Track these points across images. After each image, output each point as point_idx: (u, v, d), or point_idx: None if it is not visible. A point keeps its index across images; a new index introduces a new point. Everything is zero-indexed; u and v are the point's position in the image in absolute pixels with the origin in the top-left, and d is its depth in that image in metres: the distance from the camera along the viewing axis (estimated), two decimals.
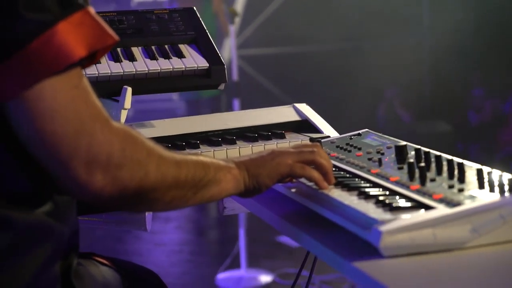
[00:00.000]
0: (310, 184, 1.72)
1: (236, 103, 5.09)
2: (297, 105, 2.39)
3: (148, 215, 2.06)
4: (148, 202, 1.49)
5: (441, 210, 1.45)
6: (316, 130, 2.26)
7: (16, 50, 1.31)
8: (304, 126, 2.30)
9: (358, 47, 8.16)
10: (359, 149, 1.92)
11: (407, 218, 1.43)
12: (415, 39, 8.17)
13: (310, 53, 8.02)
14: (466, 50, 7.77)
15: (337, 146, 1.98)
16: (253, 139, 2.18)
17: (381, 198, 1.55)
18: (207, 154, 2.07)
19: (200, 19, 2.41)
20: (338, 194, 1.64)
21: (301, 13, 7.99)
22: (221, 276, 5.16)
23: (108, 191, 1.39)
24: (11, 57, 1.31)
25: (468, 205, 1.45)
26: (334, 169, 1.80)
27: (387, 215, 1.46)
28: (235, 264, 5.24)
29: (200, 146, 2.14)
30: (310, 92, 6.95)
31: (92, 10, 1.40)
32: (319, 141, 2.00)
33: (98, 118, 1.38)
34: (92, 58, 1.41)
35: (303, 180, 1.74)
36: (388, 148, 1.87)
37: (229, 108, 5.75)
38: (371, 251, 1.43)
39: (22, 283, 1.37)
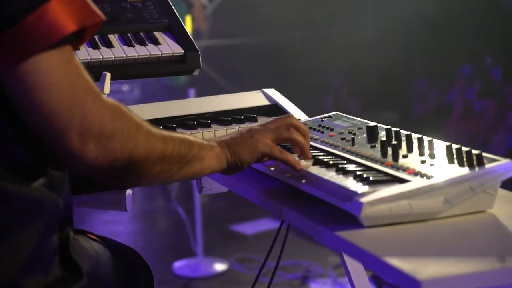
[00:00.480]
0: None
1: (192, 92, 5.17)
2: (266, 90, 2.49)
3: (128, 196, 2.14)
4: (137, 175, 1.56)
5: (416, 183, 1.56)
6: (286, 113, 2.36)
7: (12, 24, 1.38)
8: (273, 110, 2.40)
9: (301, 36, 8.23)
10: (332, 130, 2.03)
11: (385, 190, 1.54)
12: (359, 28, 8.27)
13: (254, 44, 8.08)
14: (411, 39, 7.90)
15: (310, 128, 2.08)
16: (227, 123, 2.27)
17: (358, 173, 1.65)
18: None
19: (173, 7, 2.49)
20: (317, 170, 1.74)
21: (243, 5, 8.05)
22: (178, 264, 5.23)
23: (100, 162, 1.47)
24: (7, 31, 1.38)
25: (440, 178, 1.56)
26: (310, 148, 1.90)
27: (366, 188, 1.57)
28: (191, 253, 5.31)
29: (177, 129, 2.23)
30: (256, 83, 7.02)
31: None
32: None
33: (90, 91, 1.45)
34: (80, 39, 1.50)
35: None
36: (359, 128, 1.98)
37: (186, 97, 5.81)
38: (352, 222, 1.53)
39: (24, 254, 1.44)
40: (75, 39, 1.48)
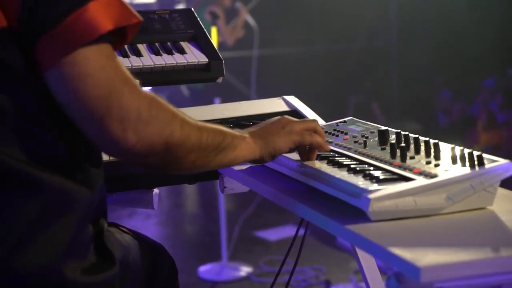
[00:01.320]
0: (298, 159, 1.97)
1: (217, 101, 5.31)
2: (286, 97, 2.63)
3: (155, 194, 2.27)
4: (175, 161, 1.69)
5: (421, 181, 1.69)
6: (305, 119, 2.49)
7: (54, 24, 1.52)
8: (293, 115, 2.50)
9: (325, 49, 8.34)
10: (346, 133, 2.16)
11: (391, 187, 1.66)
12: (383, 40, 8.37)
13: (280, 55, 8.20)
14: (434, 51, 7.99)
15: (326, 132, 2.21)
16: (248, 127, 2.40)
17: (368, 172, 1.78)
18: None
19: (198, 18, 2.64)
20: (330, 170, 1.87)
21: (268, 17, 8.17)
22: (203, 268, 5.35)
23: (139, 147, 1.59)
24: (50, 31, 1.52)
25: (443, 177, 1.69)
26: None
27: (374, 186, 1.70)
28: (216, 257, 5.44)
29: None
30: (281, 92, 7.11)
31: None
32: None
33: (127, 83, 1.58)
34: (123, 40, 1.64)
35: (291, 156, 1.98)
36: (372, 132, 2.10)
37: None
38: (361, 217, 1.66)
39: (62, 241, 1.57)
40: (118, 40, 1.62)
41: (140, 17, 1.64)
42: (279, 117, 1.99)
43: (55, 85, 1.55)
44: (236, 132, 1.87)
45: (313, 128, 1.97)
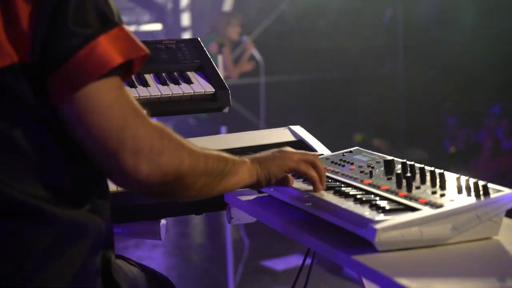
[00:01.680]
0: (304, 188, 1.97)
1: (223, 129, 5.33)
2: (292, 127, 2.64)
3: (162, 225, 2.28)
4: (184, 188, 1.73)
5: (426, 211, 1.69)
6: (311, 149, 2.50)
7: (67, 58, 1.55)
8: (299, 146, 2.54)
9: (333, 78, 8.36)
10: (352, 163, 2.16)
11: (397, 217, 1.67)
12: (390, 69, 8.39)
13: (286, 83, 8.22)
14: (441, 79, 8.01)
15: (332, 162, 2.22)
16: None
17: (374, 202, 1.79)
18: None
19: (205, 48, 2.65)
20: (336, 200, 1.88)
21: (275, 45, 8.20)
22: None
23: (153, 178, 1.61)
24: (63, 65, 1.55)
25: (448, 207, 1.69)
26: (330, 180, 2.06)
27: (380, 216, 1.70)
28: (223, 287, 5.42)
29: None
30: (288, 120, 7.12)
31: (126, 27, 1.64)
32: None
33: (140, 115, 1.61)
34: (129, 72, 1.66)
35: (298, 186, 1.99)
36: (377, 162, 2.11)
37: (217, 133, 5.96)
38: (367, 247, 1.66)
39: (69, 274, 1.58)
40: (124, 72, 1.64)
41: (147, 50, 1.66)
42: (279, 148, 2.02)
43: (68, 119, 1.57)
44: (236, 158, 1.90)
45: (312, 161, 1.98)
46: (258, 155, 1.98)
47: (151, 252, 6.56)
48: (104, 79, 1.57)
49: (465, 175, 1.85)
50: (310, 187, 1.99)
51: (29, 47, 1.54)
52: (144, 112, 1.63)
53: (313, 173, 1.96)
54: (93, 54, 1.55)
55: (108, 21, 1.60)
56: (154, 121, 1.65)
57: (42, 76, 1.55)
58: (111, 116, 1.56)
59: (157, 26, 9.54)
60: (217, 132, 5.65)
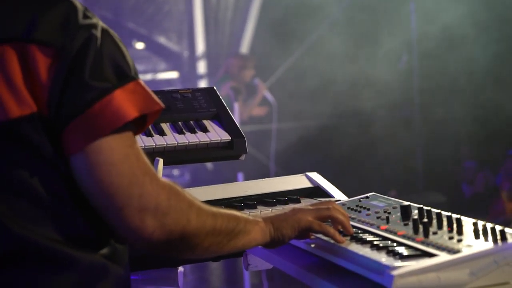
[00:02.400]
0: (327, 239, 1.96)
1: (240, 176, 5.35)
2: (309, 173, 2.64)
3: (180, 272, 2.29)
4: (190, 247, 1.72)
5: (444, 257, 1.69)
6: (328, 195, 2.50)
7: (82, 111, 1.57)
8: (316, 192, 2.54)
9: (348, 121, 8.37)
10: (368, 209, 2.17)
11: (415, 264, 1.67)
12: (405, 113, 8.40)
13: (304, 128, 8.24)
14: (458, 123, 8.02)
15: (348, 208, 2.22)
16: (272, 204, 2.42)
17: (391, 248, 1.79)
18: None
19: (220, 97, 2.68)
20: (353, 247, 1.88)
21: (296, 90, 8.23)
22: None
23: (157, 236, 1.63)
24: (78, 117, 1.57)
25: (466, 252, 1.69)
26: None
27: (397, 262, 1.70)
28: None
29: None
30: (306, 167, 7.10)
31: (142, 81, 1.67)
32: None
33: (148, 173, 1.62)
34: (143, 125, 1.68)
35: (321, 236, 1.99)
36: (394, 208, 2.11)
37: (234, 180, 5.99)
38: None
39: None
40: (138, 126, 1.66)
41: (162, 104, 1.68)
42: (294, 206, 2.01)
43: (78, 171, 1.59)
44: (250, 217, 1.89)
45: (327, 216, 1.96)
46: (272, 215, 1.95)
47: None
48: (117, 135, 1.59)
49: (484, 218, 1.85)
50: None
51: (46, 98, 1.57)
52: (154, 171, 1.64)
53: (328, 229, 1.93)
54: (108, 108, 1.58)
55: (125, 76, 1.63)
56: (163, 179, 1.66)
57: (58, 127, 1.58)
58: (119, 173, 1.58)
59: (173, 74, 9.61)
60: (234, 177, 5.67)
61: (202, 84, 9.09)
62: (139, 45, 9.39)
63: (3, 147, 1.57)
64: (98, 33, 1.62)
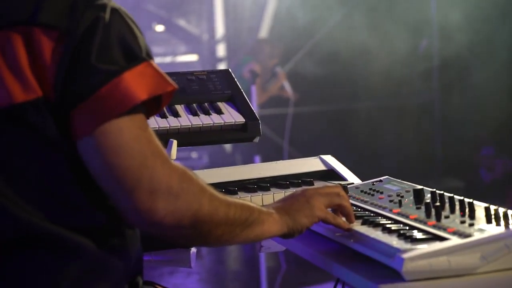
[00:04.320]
0: None
1: (257, 158, 5.35)
2: (323, 156, 2.64)
3: (193, 253, 2.29)
4: (202, 234, 1.69)
5: (455, 240, 1.69)
6: (341, 178, 2.50)
7: (89, 94, 1.56)
8: (330, 175, 2.54)
9: (365, 106, 8.34)
10: (381, 193, 2.16)
11: (425, 247, 1.67)
12: (425, 97, 8.36)
13: (321, 113, 8.21)
14: (475, 109, 7.97)
15: (362, 191, 2.22)
16: (285, 186, 2.42)
17: (402, 231, 1.79)
18: (245, 199, 2.31)
19: (235, 79, 2.68)
20: (365, 229, 1.88)
21: (314, 74, 8.21)
22: None
23: (168, 220, 1.59)
24: (85, 100, 1.56)
25: (477, 236, 1.69)
26: (359, 209, 2.07)
27: (408, 245, 1.70)
28: None
29: (238, 192, 2.38)
30: (320, 151, 7.08)
31: (154, 63, 1.64)
32: (345, 187, 2.24)
33: (160, 156, 1.60)
34: (157, 108, 1.66)
35: None
36: (407, 191, 2.11)
37: (251, 162, 5.99)
38: (395, 277, 1.66)
39: None
40: (152, 107, 1.64)
41: (175, 85, 1.65)
42: (301, 190, 1.96)
43: (87, 154, 1.58)
44: (263, 208, 1.86)
45: (337, 205, 1.94)
46: (284, 204, 1.91)
47: (186, 279, 6.56)
48: (126, 117, 1.57)
49: (502, 205, 1.85)
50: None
51: (52, 82, 1.56)
52: (166, 154, 1.62)
53: (341, 223, 1.92)
54: (115, 91, 1.56)
55: (134, 57, 1.61)
56: (175, 163, 1.64)
57: (64, 110, 1.57)
58: (129, 155, 1.56)
59: (192, 57, 9.60)
60: (251, 161, 5.68)
61: (221, 67, 9.08)
62: (159, 28, 9.39)
63: (7, 131, 1.57)
64: (107, 14, 1.60)
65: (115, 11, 1.63)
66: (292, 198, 1.93)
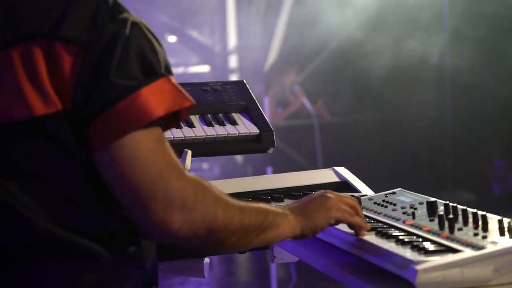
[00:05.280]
0: (351, 232, 1.97)
1: (269, 169, 5.37)
2: (336, 168, 2.66)
3: (206, 263, 2.31)
4: (217, 243, 1.70)
5: (468, 253, 1.70)
6: (354, 190, 2.51)
7: (106, 108, 1.57)
8: (343, 186, 2.55)
9: (377, 117, 8.34)
10: (394, 204, 2.17)
11: (438, 259, 1.68)
12: (437, 110, 8.36)
13: (332, 124, 8.22)
14: (488, 120, 7.96)
15: (375, 203, 2.23)
16: (298, 197, 2.41)
17: (415, 243, 1.80)
18: None
19: (250, 90, 2.70)
20: (378, 241, 1.89)
21: (324, 86, 8.22)
22: None
23: (183, 232, 1.61)
24: (102, 114, 1.57)
25: (490, 248, 1.70)
26: (373, 221, 2.07)
27: (421, 257, 1.71)
28: None
29: None
30: (332, 162, 7.08)
31: (172, 78, 1.65)
32: (359, 199, 2.25)
33: (174, 168, 1.61)
34: (175, 121, 1.68)
35: (341, 227, 2.00)
36: (420, 203, 2.12)
37: (263, 174, 6.00)
38: None
39: None
40: (171, 121, 1.65)
41: (193, 100, 1.66)
42: (320, 192, 1.97)
43: (103, 166, 1.59)
44: (279, 209, 1.86)
45: (355, 208, 1.95)
46: (300, 204, 1.92)
47: None
48: (142, 131, 1.58)
49: None
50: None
51: (71, 95, 1.57)
52: (181, 166, 1.63)
53: (358, 219, 1.93)
54: (132, 107, 1.57)
55: (153, 73, 1.62)
56: (190, 175, 1.64)
57: (82, 122, 1.58)
58: (144, 166, 1.57)
59: (205, 68, 9.64)
60: (263, 172, 5.69)
61: (233, 78, 9.11)
62: (172, 38, 9.43)
63: (25, 140, 1.59)
64: (127, 29, 1.61)
65: (135, 25, 1.64)
66: (310, 198, 1.94)
